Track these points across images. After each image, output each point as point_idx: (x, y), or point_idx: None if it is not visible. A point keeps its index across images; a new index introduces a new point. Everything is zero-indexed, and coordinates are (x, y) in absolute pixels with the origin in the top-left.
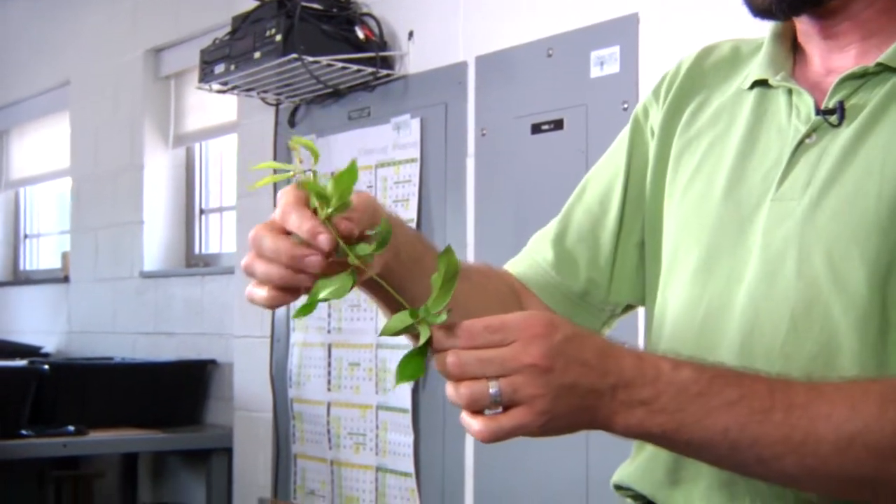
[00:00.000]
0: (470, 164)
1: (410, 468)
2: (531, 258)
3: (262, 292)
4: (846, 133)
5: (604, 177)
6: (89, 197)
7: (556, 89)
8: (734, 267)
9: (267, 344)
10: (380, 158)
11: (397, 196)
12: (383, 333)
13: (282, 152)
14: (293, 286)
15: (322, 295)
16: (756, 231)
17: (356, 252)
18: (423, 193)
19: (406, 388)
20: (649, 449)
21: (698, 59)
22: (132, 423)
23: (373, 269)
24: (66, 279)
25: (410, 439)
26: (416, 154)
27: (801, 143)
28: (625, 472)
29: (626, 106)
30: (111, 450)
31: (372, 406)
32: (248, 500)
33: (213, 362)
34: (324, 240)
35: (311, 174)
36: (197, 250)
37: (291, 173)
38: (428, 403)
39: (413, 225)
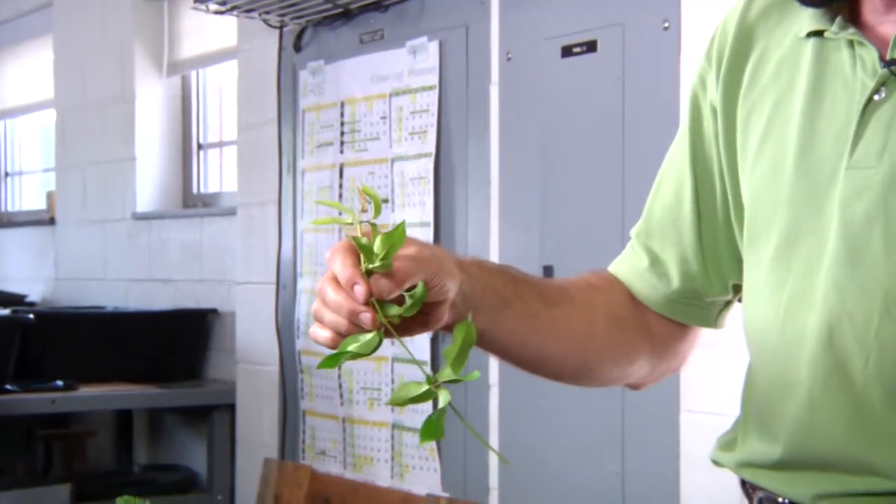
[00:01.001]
0: (494, 92)
1: None
2: (628, 261)
3: (325, 333)
4: None
5: (674, 165)
6: (76, 131)
7: (589, 7)
8: (813, 247)
9: (272, 291)
10: (394, 86)
11: (413, 128)
12: (393, 403)
13: (286, 81)
14: (352, 333)
15: (348, 348)
16: (833, 205)
17: (385, 311)
18: (443, 125)
19: (424, 337)
20: (750, 447)
21: (744, 12)
22: (126, 377)
23: (433, 325)
24: (51, 221)
25: None
26: (435, 81)
27: (869, 100)
28: (725, 459)
29: (667, 25)
30: (103, 406)
31: (387, 358)
32: (253, 460)
33: (213, 311)
34: (359, 292)
35: (363, 225)
36: (195, 189)
37: (350, 220)
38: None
39: (430, 161)
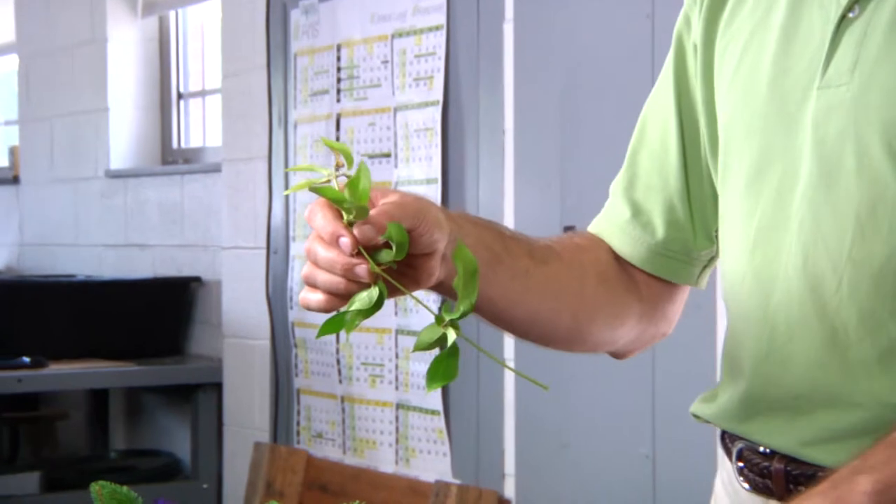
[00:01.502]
0: (508, 30)
1: (438, 405)
2: (608, 216)
3: (317, 296)
4: (892, 1)
5: (658, 110)
6: (41, 79)
7: None
8: (786, 171)
9: (262, 257)
10: (397, 27)
11: (419, 73)
12: (416, 349)
13: (276, 22)
14: (350, 293)
15: (351, 308)
16: (805, 126)
17: (378, 259)
18: (451, 69)
19: (432, 307)
20: (728, 393)
21: None
22: (100, 354)
23: (425, 281)
24: (15, 180)
25: None
26: (442, 20)
27: (843, 18)
28: (705, 410)
29: None
30: (76, 385)
31: (390, 330)
32: (242, 444)
33: (196, 280)
34: (345, 244)
35: (339, 181)
36: (175, 144)
37: (326, 178)
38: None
39: (437, 110)
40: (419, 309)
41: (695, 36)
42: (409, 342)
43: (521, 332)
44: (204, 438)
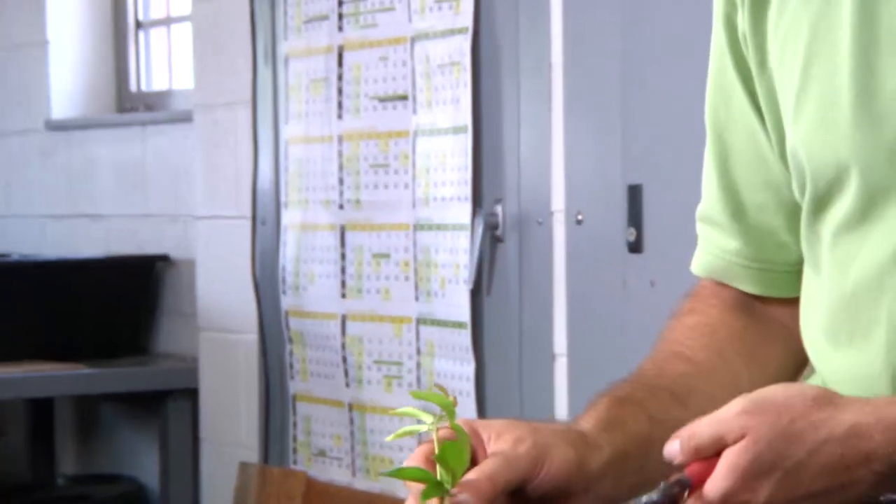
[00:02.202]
0: None
1: (472, 410)
2: (719, 254)
3: None
4: None
5: (734, 114)
6: None
7: None
8: None
9: (246, 228)
10: None
11: None
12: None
13: None
14: None
15: None
16: None
17: None
18: None
19: (462, 292)
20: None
21: None
22: (43, 354)
23: None
24: None
25: (471, 369)
26: None
27: None
28: None
29: None
30: (12, 395)
31: (411, 319)
32: (224, 466)
33: (163, 259)
34: None
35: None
36: (133, 86)
37: (426, 426)
38: (496, 314)
39: (466, 39)
40: (445, 292)
41: (742, 24)
42: (434, 334)
43: None
44: (175, 459)
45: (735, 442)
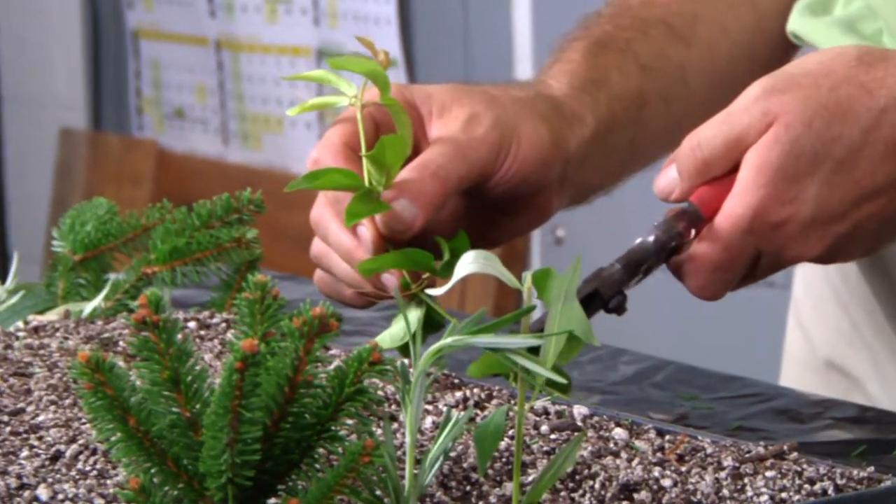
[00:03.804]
0: None
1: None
2: None
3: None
4: None
5: None
6: None
7: None
8: None
9: None
10: None
11: None
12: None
13: None
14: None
15: (381, 342)
16: None
17: (429, 266)
18: None
19: None
20: None
21: None
22: None
23: (537, 222)
24: None
25: None
26: None
27: None
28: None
29: None
30: None
31: None
32: (39, 134)
33: None
34: (365, 238)
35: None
36: None
37: (346, 100)
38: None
39: None
40: None
41: None
42: None
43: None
44: None
45: (759, 138)
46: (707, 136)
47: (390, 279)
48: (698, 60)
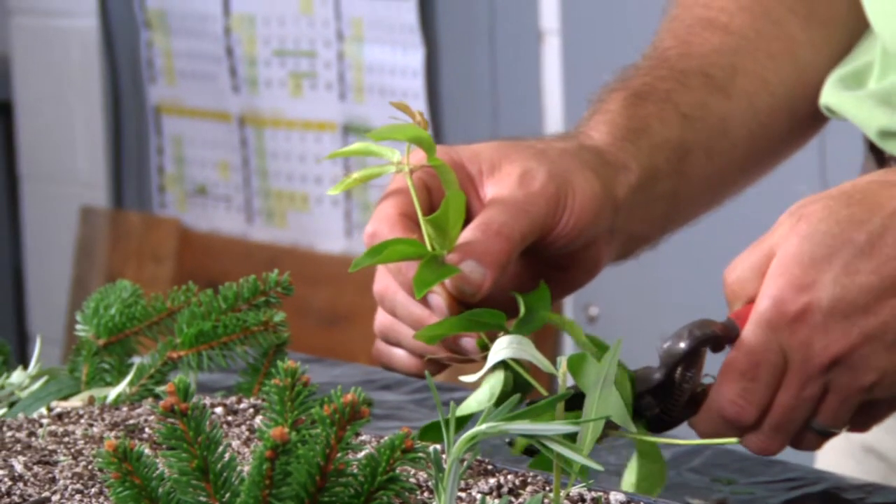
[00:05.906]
0: None
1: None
2: None
3: (403, 356)
4: None
5: None
6: None
7: None
8: None
9: None
10: None
11: None
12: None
13: None
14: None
15: (466, 412)
16: None
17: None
18: None
19: None
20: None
21: None
22: None
23: (591, 274)
24: None
25: (419, 57)
26: None
27: None
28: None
29: None
30: None
31: None
32: (59, 212)
33: None
34: (437, 304)
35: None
36: None
37: (392, 168)
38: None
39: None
40: None
41: None
42: (361, 7)
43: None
44: None
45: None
46: (741, 257)
47: (469, 342)
48: (739, 113)
